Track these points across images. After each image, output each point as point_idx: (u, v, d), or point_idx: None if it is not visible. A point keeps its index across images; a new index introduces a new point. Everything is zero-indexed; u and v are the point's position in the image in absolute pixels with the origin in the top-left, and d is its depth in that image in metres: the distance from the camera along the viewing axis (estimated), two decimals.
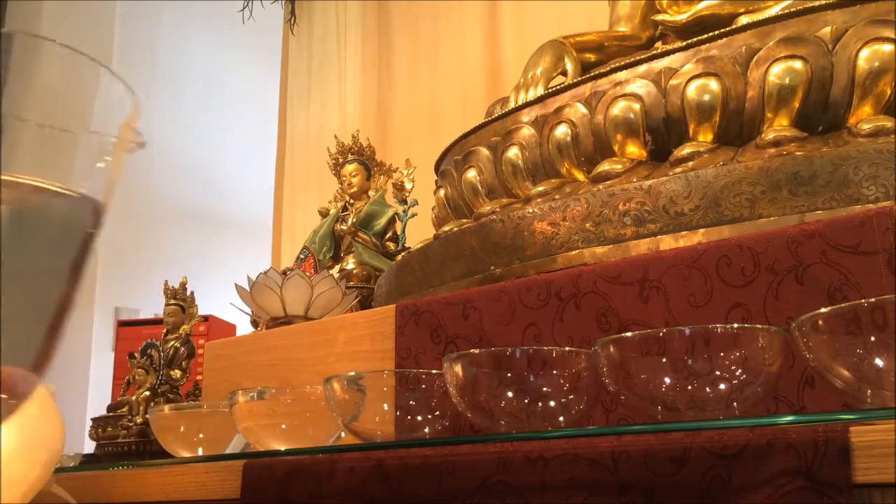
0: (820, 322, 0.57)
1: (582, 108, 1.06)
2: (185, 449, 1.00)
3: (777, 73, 0.92)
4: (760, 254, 0.75)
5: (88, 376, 3.08)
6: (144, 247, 3.33)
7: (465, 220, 1.19)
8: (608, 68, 1.06)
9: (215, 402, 1.06)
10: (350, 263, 1.68)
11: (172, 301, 1.48)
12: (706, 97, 0.96)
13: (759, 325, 0.63)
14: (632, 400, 0.64)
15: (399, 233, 1.73)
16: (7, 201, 0.40)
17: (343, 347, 1.10)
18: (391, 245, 1.72)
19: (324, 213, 1.85)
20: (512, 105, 1.19)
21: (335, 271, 1.65)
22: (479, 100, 2.16)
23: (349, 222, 1.73)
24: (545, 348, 0.72)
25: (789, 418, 0.53)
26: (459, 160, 1.23)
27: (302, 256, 1.76)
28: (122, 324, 2.56)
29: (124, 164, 0.44)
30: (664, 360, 0.61)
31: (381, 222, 1.74)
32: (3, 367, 0.41)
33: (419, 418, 0.80)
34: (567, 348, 0.73)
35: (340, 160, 1.85)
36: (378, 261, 1.65)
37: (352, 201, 1.80)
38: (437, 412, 0.80)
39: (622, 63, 1.04)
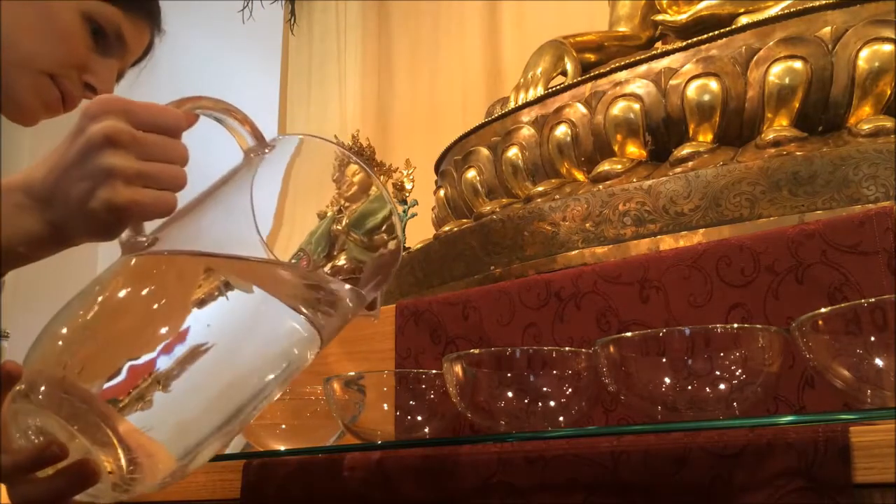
0: (820, 322, 0.57)
1: (582, 108, 1.06)
2: None
3: (777, 73, 0.92)
4: (760, 254, 0.75)
5: None
6: None
7: (465, 220, 1.19)
8: (608, 68, 1.06)
9: None
10: (341, 260, 1.68)
11: None
12: (706, 97, 0.96)
13: (759, 325, 0.63)
14: (632, 400, 0.64)
15: (393, 226, 1.72)
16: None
17: (343, 347, 1.10)
18: (384, 236, 1.72)
19: (322, 216, 1.85)
20: (512, 105, 1.19)
21: (327, 268, 1.65)
22: (479, 100, 2.16)
23: (343, 223, 1.73)
24: (545, 348, 0.72)
25: (789, 418, 0.53)
26: (459, 160, 1.23)
27: (294, 260, 1.76)
28: None
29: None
30: (664, 360, 0.61)
31: (376, 219, 1.74)
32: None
33: (419, 418, 0.80)
34: (567, 348, 0.73)
35: (345, 161, 1.85)
36: (365, 256, 1.65)
37: (347, 204, 1.80)
38: (437, 412, 0.80)
39: (622, 63, 1.04)
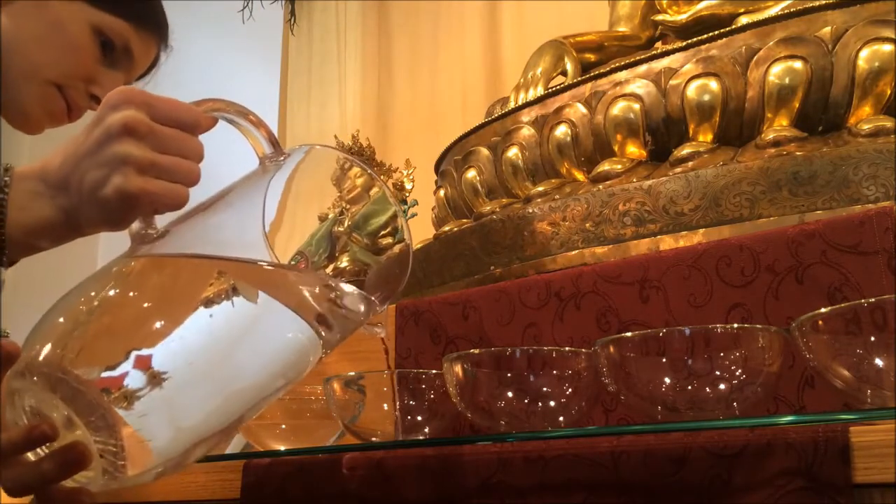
0: (820, 322, 0.57)
1: (582, 108, 1.06)
2: None
3: (777, 73, 0.92)
4: (760, 254, 0.75)
5: None
6: None
7: (465, 220, 1.19)
8: (608, 68, 1.06)
9: None
10: (343, 262, 1.68)
11: None
12: (706, 97, 0.96)
13: (759, 325, 0.63)
14: (632, 400, 0.64)
15: (399, 230, 1.72)
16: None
17: (343, 347, 1.10)
18: (389, 239, 1.72)
19: (323, 219, 1.85)
20: (512, 105, 1.19)
21: (329, 270, 1.65)
22: (479, 100, 2.16)
23: (345, 225, 1.73)
24: (545, 348, 0.72)
25: (789, 418, 0.53)
26: (459, 160, 1.23)
27: (292, 262, 1.75)
28: None
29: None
30: (664, 360, 0.61)
31: (380, 220, 1.74)
32: None
33: (419, 418, 0.80)
34: (567, 348, 0.73)
35: (348, 165, 1.85)
36: (369, 258, 1.65)
37: (347, 206, 1.80)
38: (437, 412, 0.80)
39: (622, 63, 1.04)
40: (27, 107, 0.80)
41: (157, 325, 0.46)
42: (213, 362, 0.46)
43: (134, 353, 0.44)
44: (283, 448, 0.87)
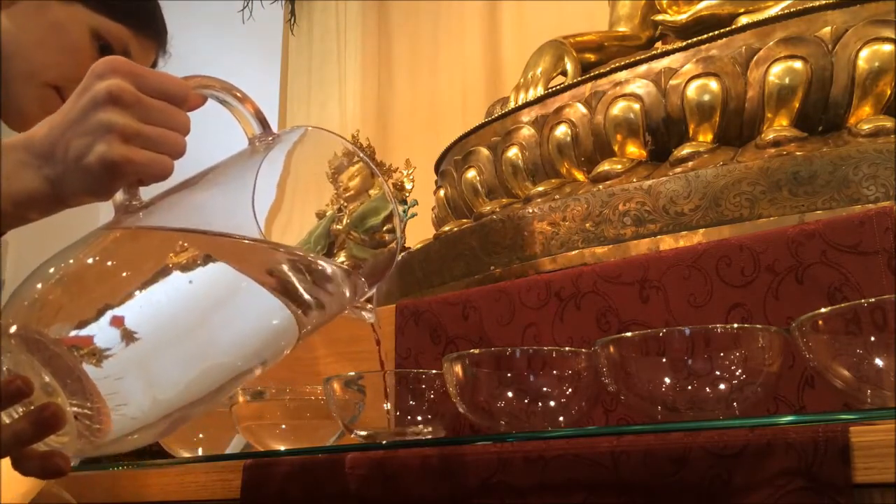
0: (820, 322, 0.57)
1: (582, 108, 1.06)
2: (185, 449, 1.00)
3: (777, 73, 0.92)
4: (760, 254, 0.75)
5: None
6: None
7: (465, 220, 1.19)
8: (608, 68, 1.06)
9: None
10: (341, 258, 1.68)
11: None
12: (706, 97, 0.96)
13: (759, 325, 0.63)
14: (632, 400, 0.64)
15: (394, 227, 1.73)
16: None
17: (343, 347, 1.10)
18: (385, 236, 1.72)
19: (321, 216, 1.85)
20: (512, 105, 1.19)
21: None
22: (479, 100, 2.16)
23: (344, 222, 1.73)
24: (545, 348, 0.72)
25: (789, 418, 0.54)
26: (459, 160, 1.23)
27: None
28: None
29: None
30: (664, 360, 0.61)
31: (378, 218, 1.74)
32: None
33: (419, 418, 0.80)
34: (567, 348, 0.73)
35: (345, 161, 1.85)
36: (366, 254, 1.65)
37: (346, 204, 1.80)
38: (437, 412, 0.80)
39: (622, 63, 1.04)
40: (25, 108, 0.81)
41: (134, 289, 0.46)
42: (189, 328, 0.47)
43: (107, 313, 0.44)
44: (283, 448, 0.87)
